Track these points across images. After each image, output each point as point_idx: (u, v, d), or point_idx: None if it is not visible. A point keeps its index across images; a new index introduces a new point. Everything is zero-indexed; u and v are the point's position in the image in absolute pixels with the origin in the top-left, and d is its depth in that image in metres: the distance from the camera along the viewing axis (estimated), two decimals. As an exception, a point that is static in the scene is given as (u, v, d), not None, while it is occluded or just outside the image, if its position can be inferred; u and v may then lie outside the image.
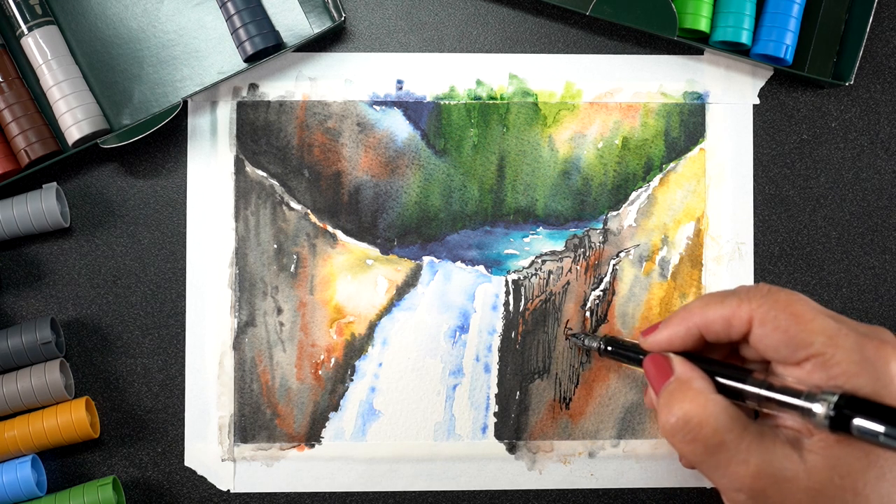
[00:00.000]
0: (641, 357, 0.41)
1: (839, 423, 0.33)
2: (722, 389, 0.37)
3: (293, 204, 0.49)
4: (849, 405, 0.33)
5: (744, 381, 0.37)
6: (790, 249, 0.50)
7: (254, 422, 0.48)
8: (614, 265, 0.49)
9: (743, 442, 0.35)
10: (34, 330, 0.46)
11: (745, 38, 0.48)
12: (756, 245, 0.50)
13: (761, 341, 0.36)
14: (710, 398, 0.36)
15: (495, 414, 0.49)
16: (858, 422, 0.32)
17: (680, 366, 0.39)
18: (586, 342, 0.47)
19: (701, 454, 0.36)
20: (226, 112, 0.49)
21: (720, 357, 0.40)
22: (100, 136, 0.47)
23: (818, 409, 0.34)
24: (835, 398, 0.33)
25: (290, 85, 0.49)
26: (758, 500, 0.35)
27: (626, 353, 0.44)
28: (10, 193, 0.48)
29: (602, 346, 0.45)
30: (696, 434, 0.36)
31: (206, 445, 0.48)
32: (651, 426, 0.49)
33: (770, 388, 0.36)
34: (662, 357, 0.40)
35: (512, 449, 0.49)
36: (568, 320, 0.49)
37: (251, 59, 0.48)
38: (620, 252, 0.49)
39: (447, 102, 0.49)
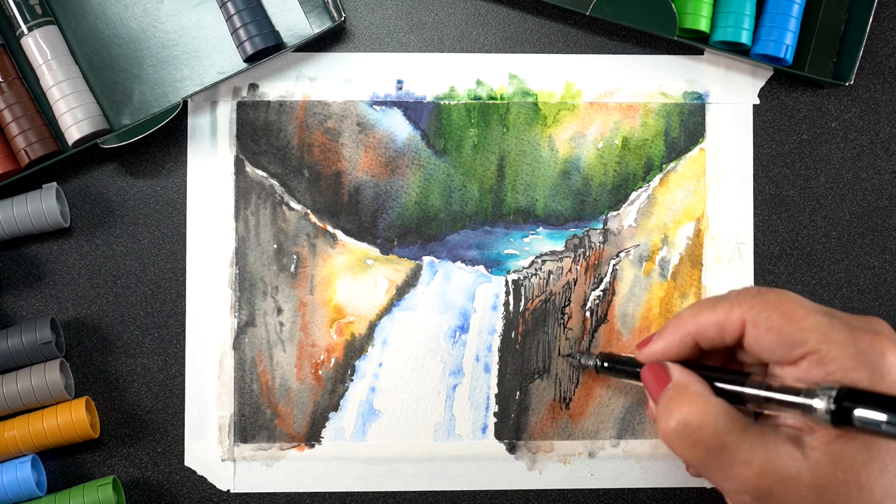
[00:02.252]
0: (639, 370, 0.41)
1: (840, 416, 0.33)
2: (721, 394, 0.37)
3: (293, 204, 0.49)
4: (849, 397, 0.33)
5: (742, 384, 0.37)
6: (790, 249, 0.50)
7: (254, 422, 0.48)
8: (614, 265, 0.49)
9: (744, 443, 0.35)
10: (34, 330, 0.46)
11: (745, 38, 0.48)
12: (756, 245, 0.50)
13: (756, 343, 0.36)
14: (708, 401, 0.36)
15: (495, 414, 0.49)
16: (860, 413, 0.32)
17: (677, 372, 0.39)
18: (582, 361, 0.47)
19: (703, 458, 0.36)
20: (226, 112, 0.49)
21: (717, 364, 0.40)
22: (100, 136, 0.47)
23: (819, 404, 0.34)
24: (834, 392, 0.33)
25: (290, 85, 0.49)
26: (762, 501, 0.35)
27: (624, 367, 0.44)
28: (10, 193, 0.48)
29: (599, 363, 0.45)
30: (696, 438, 0.36)
31: (206, 445, 0.48)
32: (651, 426, 0.49)
33: (769, 388, 0.36)
34: (659, 366, 0.40)
35: (512, 449, 0.49)
36: (568, 325, 0.49)
37: (251, 59, 0.48)
38: (620, 252, 0.49)
39: (447, 102, 0.49)
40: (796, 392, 0.35)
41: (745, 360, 0.39)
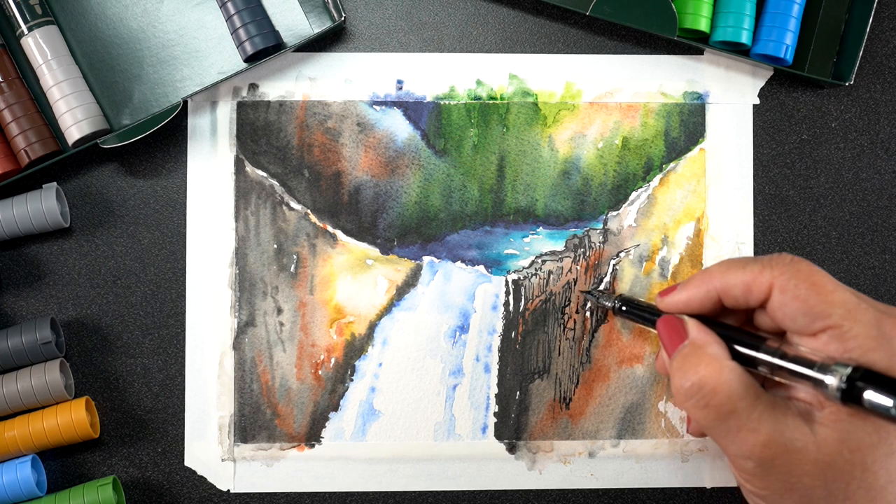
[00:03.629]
0: (656, 318, 0.41)
1: (851, 395, 0.33)
2: (735, 356, 0.37)
3: (293, 204, 0.49)
4: (862, 378, 0.33)
5: (757, 349, 0.37)
6: (790, 249, 0.50)
7: (254, 422, 0.48)
8: (614, 265, 0.49)
9: (755, 410, 0.35)
10: (34, 330, 0.46)
11: (745, 38, 0.48)
12: (756, 245, 0.50)
13: (780, 309, 0.36)
14: (724, 364, 0.36)
15: (495, 414, 0.49)
16: (870, 395, 0.32)
17: (695, 329, 0.38)
18: (601, 300, 0.47)
19: (712, 420, 0.36)
20: (226, 112, 0.49)
21: (735, 324, 0.40)
22: (100, 136, 0.47)
23: (830, 380, 0.33)
24: (848, 370, 0.33)
25: (290, 85, 0.49)
26: (765, 469, 0.35)
27: (642, 313, 0.43)
28: (10, 193, 0.48)
29: (617, 305, 0.45)
30: (708, 400, 0.36)
31: (206, 445, 0.48)
32: (651, 426, 0.49)
33: (784, 356, 0.36)
34: (677, 319, 0.40)
35: (512, 449, 0.49)
36: (568, 325, 0.49)
37: (251, 59, 0.48)
38: (620, 252, 0.49)
39: (447, 102, 0.49)
40: (811, 364, 0.35)
41: (763, 325, 0.39)
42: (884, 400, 0.32)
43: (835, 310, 0.35)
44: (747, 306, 0.38)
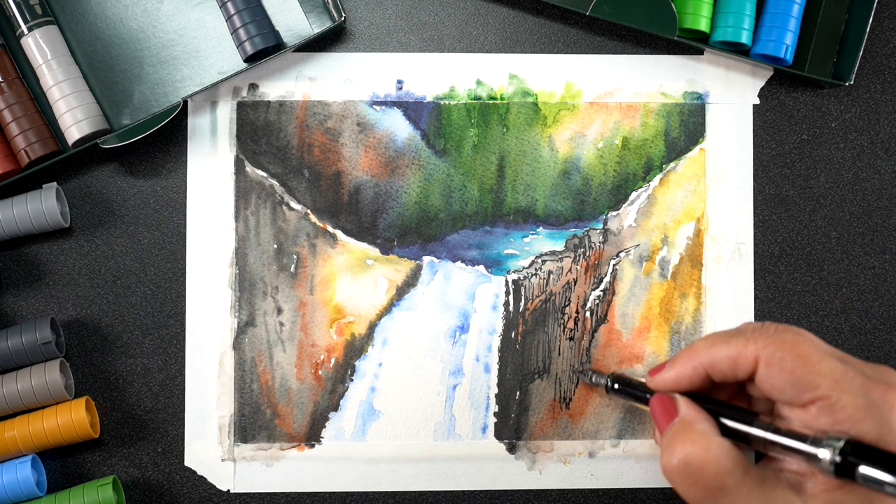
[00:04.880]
0: (648, 396, 0.41)
1: (844, 469, 0.33)
2: (727, 431, 0.37)
3: (293, 204, 0.49)
4: (854, 452, 0.33)
5: (750, 424, 0.37)
6: (790, 249, 0.50)
7: (254, 422, 0.48)
8: (614, 265, 0.49)
9: (744, 486, 0.35)
10: (34, 330, 0.46)
11: (745, 38, 0.48)
12: (756, 245, 0.50)
13: (767, 382, 0.36)
14: (712, 441, 0.36)
15: (495, 414, 0.49)
16: (864, 470, 0.32)
17: (685, 407, 0.38)
18: (594, 379, 0.47)
19: (701, 497, 0.36)
20: (226, 112, 0.49)
21: (727, 396, 0.40)
22: (100, 136, 0.47)
23: (824, 454, 0.33)
24: (840, 444, 0.33)
25: (290, 85, 0.49)
26: None
27: (634, 391, 0.44)
28: (10, 193, 0.48)
29: (609, 384, 0.45)
30: (696, 477, 0.36)
31: (206, 445, 0.48)
32: (651, 426, 0.49)
33: (776, 431, 0.36)
34: (668, 398, 0.40)
35: (512, 449, 0.49)
36: (568, 325, 0.49)
37: (251, 59, 0.48)
38: (620, 252, 0.49)
39: (447, 102, 0.49)
40: (803, 438, 0.35)
41: (755, 394, 0.39)
42: (879, 475, 0.32)
43: (822, 381, 0.35)
44: (736, 380, 0.38)
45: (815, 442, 0.34)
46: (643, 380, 0.43)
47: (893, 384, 0.35)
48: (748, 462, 0.36)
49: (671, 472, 0.37)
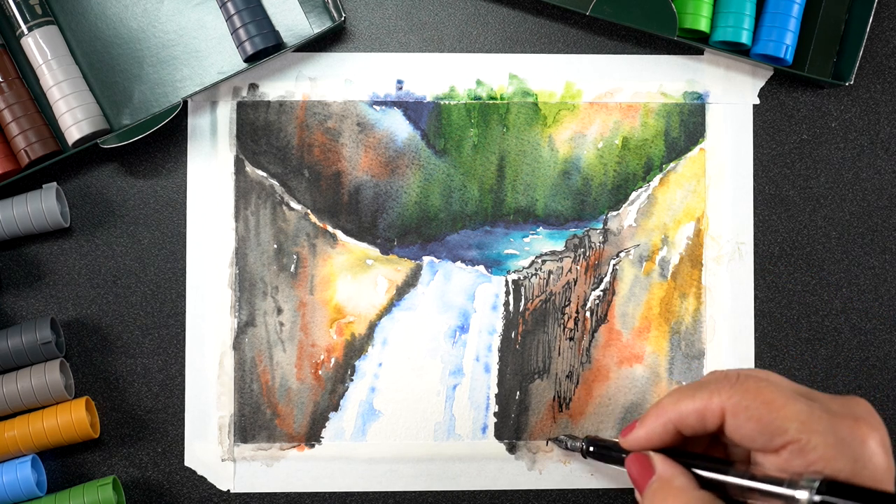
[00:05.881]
0: (624, 455, 0.41)
1: None
2: (705, 484, 0.38)
3: (293, 204, 0.49)
4: (830, 490, 0.33)
5: (725, 473, 0.37)
6: (790, 249, 0.50)
7: (254, 422, 0.48)
8: (614, 265, 0.49)
9: None
10: (34, 330, 0.46)
11: (745, 38, 0.48)
12: (756, 245, 0.50)
13: (736, 432, 0.36)
14: (692, 496, 0.37)
15: (495, 414, 0.49)
16: None
17: (661, 464, 0.39)
18: (569, 445, 0.47)
19: None
20: (226, 112, 0.49)
21: (702, 447, 0.40)
22: (100, 136, 0.47)
23: (801, 495, 0.34)
24: (816, 484, 0.33)
25: (290, 85, 0.49)
26: None
27: (609, 452, 0.43)
28: (10, 193, 0.48)
29: (585, 447, 0.45)
30: None
31: (206, 445, 0.48)
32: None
33: (752, 477, 0.36)
34: (643, 456, 0.40)
35: (512, 449, 0.49)
36: (568, 325, 0.49)
37: (251, 59, 0.48)
38: (620, 252, 0.49)
39: (447, 102, 0.49)
40: (779, 482, 0.35)
41: (729, 444, 0.39)
42: None
43: (790, 424, 0.35)
44: (706, 432, 0.38)
45: (792, 484, 0.34)
46: (616, 440, 0.43)
47: (860, 417, 0.35)
48: None
49: None
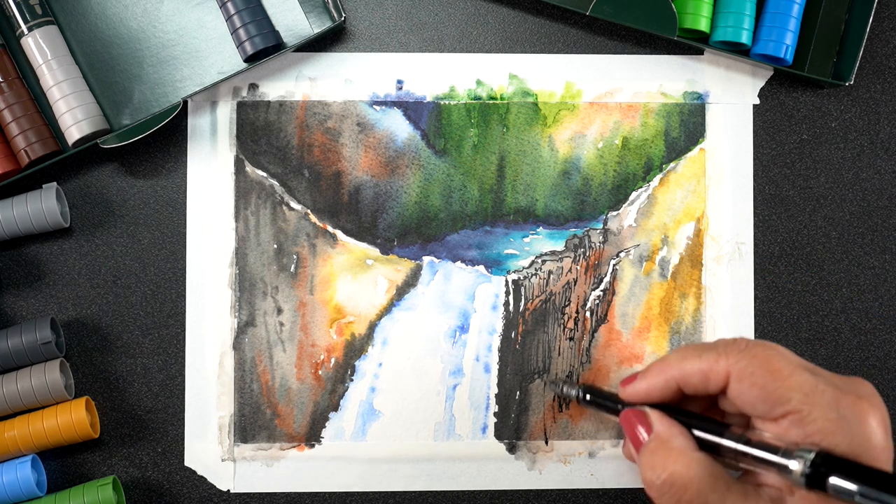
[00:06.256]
0: (620, 407, 0.41)
1: (815, 480, 0.33)
2: (700, 444, 0.37)
3: (293, 204, 0.49)
4: (825, 463, 0.33)
5: (721, 436, 0.37)
6: (790, 249, 0.50)
7: (254, 422, 0.48)
8: (614, 265, 0.49)
9: (726, 502, 0.35)
10: (34, 330, 0.46)
11: (745, 38, 0.48)
12: (756, 245, 0.50)
13: (739, 396, 0.36)
14: (692, 457, 0.36)
15: (495, 414, 0.49)
16: (834, 480, 0.32)
17: (658, 422, 0.38)
18: (565, 390, 0.46)
19: None
20: (226, 112, 0.49)
21: (700, 410, 0.40)
22: (100, 136, 0.47)
23: (794, 466, 0.34)
24: (811, 455, 0.33)
25: (290, 85, 0.49)
26: None
27: (605, 402, 0.43)
28: (10, 193, 0.48)
29: (581, 395, 0.45)
30: (680, 495, 0.36)
31: (206, 445, 0.48)
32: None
33: (747, 442, 0.36)
34: (640, 412, 0.40)
35: (512, 449, 0.49)
36: (568, 325, 0.49)
37: (251, 59, 0.48)
38: (620, 252, 0.49)
39: (447, 102, 0.49)
40: (774, 450, 0.35)
41: (728, 409, 0.39)
42: (848, 485, 0.32)
43: (793, 395, 0.35)
44: (707, 393, 0.38)
45: (787, 454, 0.34)
46: (615, 391, 0.43)
47: (864, 396, 0.35)
48: (730, 477, 0.36)
49: (656, 490, 0.37)
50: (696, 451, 0.37)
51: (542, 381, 0.48)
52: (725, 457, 0.37)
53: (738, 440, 0.36)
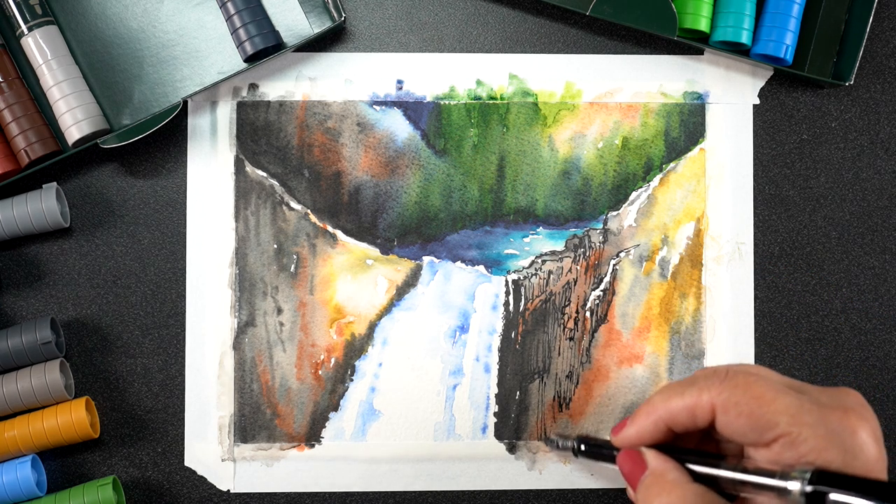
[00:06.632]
0: (616, 453, 0.41)
1: (815, 499, 0.33)
2: (698, 478, 0.37)
3: (293, 204, 0.49)
4: (822, 480, 0.33)
5: (717, 467, 0.37)
6: (790, 249, 0.50)
7: (254, 422, 0.48)
8: (614, 265, 0.49)
9: None
10: (34, 330, 0.46)
11: (745, 38, 0.48)
12: (756, 245, 0.50)
13: (727, 427, 0.36)
14: (686, 488, 0.36)
15: (495, 414, 0.49)
16: (834, 496, 0.32)
17: (653, 459, 0.39)
18: (560, 444, 0.46)
19: None
20: (226, 112, 0.49)
21: (693, 442, 0.40)
22: (100, 136, 0.47)
23: (793, 486, 0.34)
24: (808, 474, 0.33)
25: (290, 85, 0.49)
26: None
27: (601, 450, 0.43)
28: (10, 193, 0.48)
29: (576, 447, 0.45)
30: None
31: (206, 445, 0.48)
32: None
33: (744, 470, 0.36)
34: (635, 452, 0.40)
35: (512, 449, 0.49)
36: (568, 325, 0.49)
37: (251, 59, 0.48)
38: (620, 252, 0.49)
39: (447, 102, 0.49)
40: (771, 474, 0.35)
41: (721, 439, 0.39)
42: (848, 499, 0.32)
43: (780, 418, 0.35)
44: (697, 429, 0.38)
45: (784, 476, 0.34)
46: (608, 438, 0.43)
47: (850, 408, 0.35)
48: None
49: None
50: (690, 483, 0.37)
51: (540, 438, 0.49)
52: (724, 487, 0.37)
53: (734, 469, 0.36)
